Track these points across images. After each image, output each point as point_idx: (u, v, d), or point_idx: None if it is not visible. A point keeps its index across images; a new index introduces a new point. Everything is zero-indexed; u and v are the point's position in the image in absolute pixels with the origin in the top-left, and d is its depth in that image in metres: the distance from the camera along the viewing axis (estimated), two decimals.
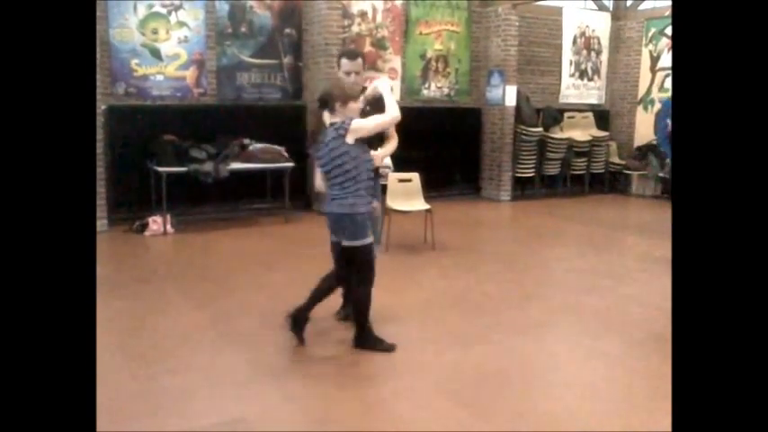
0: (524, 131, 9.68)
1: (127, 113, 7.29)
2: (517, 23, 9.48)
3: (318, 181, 3.94)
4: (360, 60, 4.05)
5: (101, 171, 6.81)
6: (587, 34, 10.62)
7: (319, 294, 3.76)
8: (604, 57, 10.85)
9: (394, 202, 6.30)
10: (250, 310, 4.51)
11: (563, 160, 10.15)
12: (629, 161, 10.50)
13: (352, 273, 3.70)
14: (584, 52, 10.66)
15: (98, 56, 6.83)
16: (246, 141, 7.49)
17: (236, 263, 5.82)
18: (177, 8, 7.48)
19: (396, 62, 9.07)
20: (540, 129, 9.83)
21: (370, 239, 3.60)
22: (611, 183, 10.70)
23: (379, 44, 8.89)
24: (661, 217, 7.84)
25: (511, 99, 9.49)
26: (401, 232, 6.47)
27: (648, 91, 10.48)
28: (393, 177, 6.52)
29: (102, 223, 6.84)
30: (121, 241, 6.65)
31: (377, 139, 3.86)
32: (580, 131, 10.28)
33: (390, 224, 6.30)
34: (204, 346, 3.84)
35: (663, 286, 5.04)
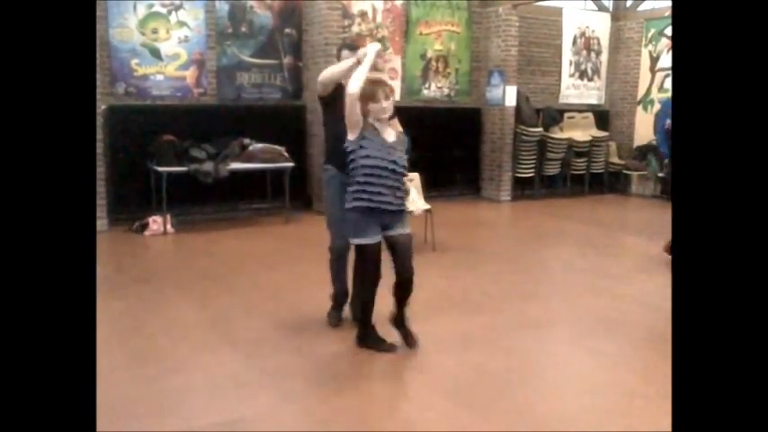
0: (524, 132, 9.68)
1: (127, 113, 7.29)
2: (517, 24, 9.49)
3: None
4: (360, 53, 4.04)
5: (101, 171, 6.82)
6: (587, 35, 10.63)
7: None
8: (604, 57, 10.86)
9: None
10: (250, 309, 4.51)
11: (563, 160, 10.16)
12: (628, 161, 10.51)
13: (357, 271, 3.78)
14: (584, 53, 10.66)
15: (98, 56, 6.83)
16: (246, 141, 7.49)
17: (236, 263, 5.83)
18: (177, 8, 7.48)
19: (396, 62, 9.08)
20: (540, 129, 9.84)
21: (368, 239, 3.58)
22: (610, 183, 10.70)
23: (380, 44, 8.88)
24: (660, 217, 7.84)
25: (511, 99, 9.50)
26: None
27: (648, 91, 10.48)
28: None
29: (102, 223, 6.85)
30: (121, 241, 6.65)
31: None
32: (580, 132, 10.29)
33: None
34: (204, 345, 3.84)
35: (662, 286, 5.05)
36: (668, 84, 9.97)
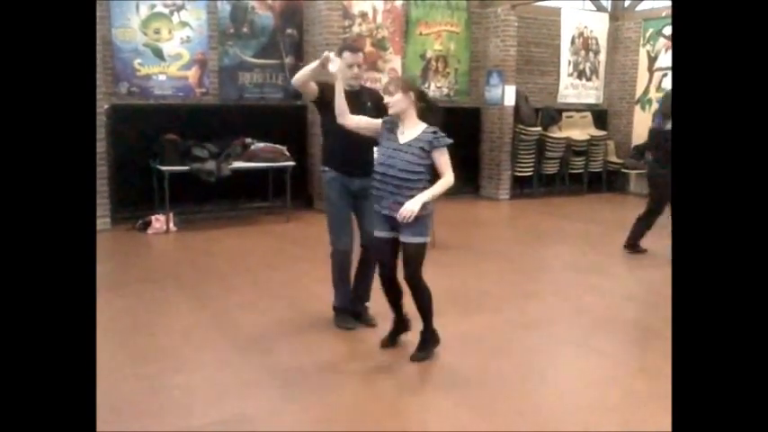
0: (523, 131, 9.73)
1: (129, 113, 7.33)
2: (516, 24, 9.53)
3: None
4: (361, 54, 4.08)
5: (103, 170, 6.85)
6: (585, 34, 10.67)
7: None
8: (602, 57, 10.90)
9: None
10: (251, 308, 4.53)
11: (561, 159, 10.21)
12: (626, 160, 10.55)
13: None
14: (583, 52, 10.71)
15: (101, 56, 6.87)
16: (248, 140, 7.53)
17: (237, 261, 5.86)
18: (179, 8, 7.52)
19: (396, 62, 9.12)
20: (539, 128, 9.89)
21: (377, 232, 3.59)
22: (609, 182, 10.76)
23: (380, 44, 8.94)
24: (662, 215, 7.89)
25: (510, 99, 9.54)
26: None
27: (646, 91, 10.53)
28: None
29: (104, 222, 6.89)
30: (124, 240, 6.68)
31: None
32: (578, 131, 10.34)
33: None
34: (205, 344, 3.86)
35: (662, 285, 5.08)
36: (666, 83, 10.02)
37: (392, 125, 3.50)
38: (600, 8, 10.87)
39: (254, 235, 7.04)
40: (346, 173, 4.00)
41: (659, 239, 6.29)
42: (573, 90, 10.73)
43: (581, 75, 10.78)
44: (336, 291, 4.18)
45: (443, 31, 9.50)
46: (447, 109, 10.27)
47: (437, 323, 3.67)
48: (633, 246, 6.35)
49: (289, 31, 8.25)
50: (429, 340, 3.64)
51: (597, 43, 10.79)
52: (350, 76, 3.96)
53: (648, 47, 10.47)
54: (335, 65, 3.63)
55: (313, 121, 8.12)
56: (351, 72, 3.95)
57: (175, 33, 7.54)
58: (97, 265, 2.26)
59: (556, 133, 10.08)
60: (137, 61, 7.37)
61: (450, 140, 3.44)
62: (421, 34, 9.32)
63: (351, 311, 4.19)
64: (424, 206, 3.36)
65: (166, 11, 7.45)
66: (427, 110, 3.51)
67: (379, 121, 3.59)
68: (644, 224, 6.33)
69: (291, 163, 7.63)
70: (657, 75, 10.33)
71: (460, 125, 9.69)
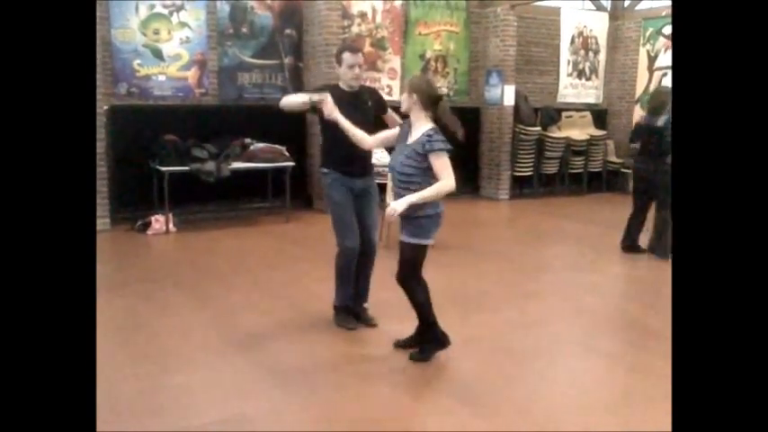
0: (523, 131, 9.73)
1: (129, 113, 7.32)
2: (515, 24, 9.53)
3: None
4: (361, 54, 4.08)
5: (103, 171, 6.85)
6: (585, 34, 10.67)
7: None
8: (602, 56, 10.90)
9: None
10: (251, 308, 4.54)
11: (561, 159, 10.21)
12: (626, 160, 10.54)
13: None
14: (582, 52, 10.71)
15: (100, 56, 6.87)
16: (248, 141, 7.53)
17: (237, 262, 5.86)
18: (179, 9, 7.52)
19: (395, 62, 9.12)
20: (539, 128, 9.89)
21: None
22: (608, 181, 10.75)
23: (379, 44, 8.94)
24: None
25: (509, 99, 9.54)
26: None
27: (646, 90, 10.52)
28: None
29: (104, 222, 6.89)
30: (124, 240, 6.68)
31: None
32: (578, 130, 10.34)
33: (390, 223, 6.34)
34: (206, 344, 3.86)
35: (663, 285, 5.09)
36: (666, 82, 10.02)
37: (408, 126, 3.53)
38: (599, 8, 10.88)
39: (254, 235, 7.04)
40: (347, 173, 4.01)
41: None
42: (572, 90, 10.73)
43: (580, 74, 10.78)
44: (339, 290, 4.18)
45: (443, 30, 9.50)
46: None
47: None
48: (631, 247, 6.34)
49: (288, 31, 8.26)
50: (427, 341, 3.62)
51: (597, 43, 10.80)
52: (350, 77, 3.97)
53: (648, 46, 10.47)
54: (329, 108, 3.69)
55: (312, 121, 8.12)
56: (351, 73, 3.96)
57: (175, 34, 7.54)
58: (97, 265, 2.27)
59: (555, 133, 10.08)
60: (136, 62, 7.37)
61: (443, 145, 3.34)
62: (420, 34, 9.32)
63: (352, 311, 4.20)
64: (419, 208, 3.35)
65: (166, 11, 7.45)
66: (438, 112, 3.43)
67: (397, 129, 3.67)
68: (637, 222, 6.32)
69: (291, 163, 7.63)
70: (657, 74, 10.33)
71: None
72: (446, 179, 3.36)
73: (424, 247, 3.49)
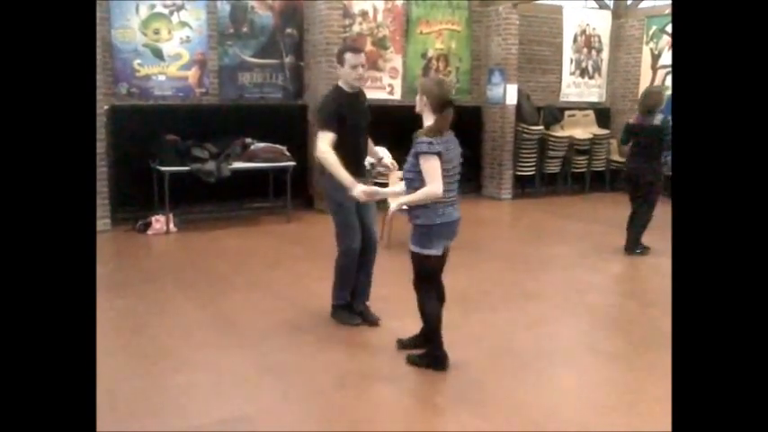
0: (525, 130, 9.70)
1: (129, 113, 7.31)
2: (517, 22, 9.49)
3: (442, 186, 3.29)
4: (363, 54, 4.07)
5: (103, 171, 6.84)
6: (588, 32, 10.63)
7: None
8: (605, 55, 10.85)
9: (396, 201, 6.32)
10: (253, 309, 4.53)
11: (564, 158, 10.17)
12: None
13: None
14: (585, 50, 10.66)
15: (100, 56, 6.85)
16: (248, 141, 7.52)
17: (238, 262, 5.85)
18: (179, 8, 7.50)
19: (397, 61, 9.09)
20: (541, 127, 9.85)
21: None
22: (611, 181, 10.71)
23: (380, 43, 8.91)
24: (662, 214, 7.85)
25: (512, 98, 9.51)
26: (402, 231, 6.48)
27: None
28: (395, 176, 6.54)
29: (104, 222, 6.88)
30: (124, 240, 6.68)
31: None
32: (581, 129, 10.30)
33: (392, 222, 6.33)
34: (207, 344, 3.86)
35: (663, 284, 5.06)
36: (669, 81, 9.96)
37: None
38: (602, 6, 10.83)
39: (255, 235, 7.03)
40: (353, 175, 4.00)
41: (660, 239, 6.25)
42: (575, 88, 10.69)
43: (583, 73, 10.74)
44: (339, 290, 4.20)
45: (444, 29, 9.47)
46: None
47: None
48: (634, 249, 6.29)
49: (288, 30, 8.23)
50: (427, 355, 3.56)
51: (600, 41, 10.75)
52: (354, 77, 3.98)
53: (651, 44, 10.42)
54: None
55: (313, 121, 8.09)
56: (355, 73, 3.96)
57: (175, 33, 7.52)
58: (97, 265, 2.27)
59: (558, 132, 10.04)
60: (136, 62, 7.35)
61: (426, 148, 3.21)
62: (422, 33, 9.29)
63: (351, 308, 4.23)
64: (417, 214, 3.32)
65: (166, 11, 7.43)
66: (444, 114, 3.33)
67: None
68: (640, 225, 6.27)
69: (292, 163, 7.61)
70: (661, 72, 10.28)
71: (462, 124, 9.64)
72: (430, 184, 3.23)
73: (428, 258, 3.39)
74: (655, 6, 10.46)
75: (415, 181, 3.33)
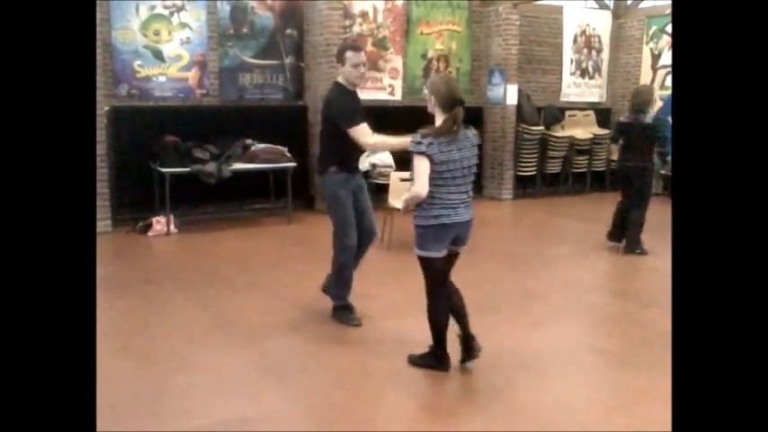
0: (526, 130, 9.69)
1: (129, 115, 7.32)
2: (518, 22, 9.49)
3: (428, 186, 3.20)
4: (363, 53, 4.09)
5: (104, 172, 6.84)
6: (588, 32, 10.63)
7: (459, 315, 3.50)
8: (605, 55, 10.85)
9: (396, 201, 6.32)
10: (253, 309, 4.53)
11: (564, 158, 10.17)
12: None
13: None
14: (585, 51, 10.66)
15: (100, 57, 6.86)
16: (249, 142, 7.52)
17: (239, 263, 5.85)
18: (179, 9, 7.51)
19: (397, 62, 9.09)
20: (542, 127, 9.84)
21: None
22: (612, 181, 10.69)
23: (381, 44, 8.91)
24: (662, 215, 7.85)
25: (512, 98, 9.51)
26: (403, 231, 6.48)
27: None
28: (395, 176, 6.55)
29: (105, 224, 6.88)
30: (125, 242, 6.68)
31: None
32: (581, 130, 10.29)
33: (393, 223, 6.33)
34: (208, 345, 3.86)
35: (664, 284, 5.05)
36: (670, 81, 9.96)
37: None
38: (602, 6, 10.83)
39: (256, 236, 7.03)
40: (353, 171, 4.15)
41: (660, 240, 6.24)
42: (576, 89, 10.68)
43: (584, 73, 10.73)
44: (342, 288, 4.22)
45: (445, 30, 9.47)
46: None
47: None
48: (634, 249, 6.30)
49: (289, 31, 8.24)
50: (429, 355, 3.55)
51: (600, 41, 10.75)
52: (356, 75, 4.01)
53: (652, 44, 10.42)
54: None
55: (314, 121, 8.10)
56: (357, 72, 3.98)
57: (175, 35, 7.53)
58: (98, 267, 2.27)
59: (558, 132, 10.04)
60: (137, 63, 7.36)
61: (414, 148, 3.17)
62: (422, 33, 9.29)
63: (351, 308, 4.26)
64: (416, 214, 3.28)
65: (166, 12, 7.43)
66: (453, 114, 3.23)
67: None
68: (636, 224, 6.30)
69: (292, 164, 7.61)
70: (661, 72, 10.28)
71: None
72: (415, 184, 3.19)
73: (426, 259, 3.35)
74: (655, 6, 10.45)
75: (412, 181, 3.30)
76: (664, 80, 10.19)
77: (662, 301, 4.68)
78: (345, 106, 3.95)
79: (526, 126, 9.67)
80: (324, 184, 4.18)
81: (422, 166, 3.16)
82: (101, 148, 6.68)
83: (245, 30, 7.96)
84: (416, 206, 3.28)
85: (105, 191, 6.88)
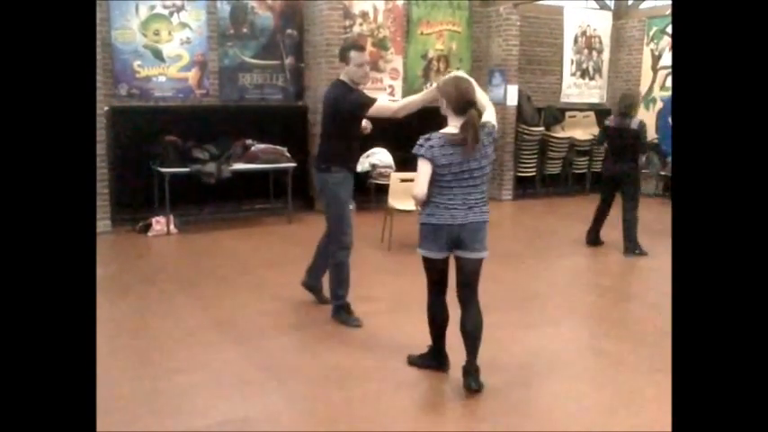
0: (526, 131, 9.69)
1: (129, 115, 7.32)
2: (518, 23, 9.49)
3: (425, 189, 3.17)
4: (366, 52, 4.11)
5: (104, 172, 6.84)
6: (588, 33, 10.62)
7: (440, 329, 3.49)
8: (606, 56, 10.84)
9: (396, 202, 6.33)
10: (253, 309, 4.53)
11: (564, 159, 10.16)
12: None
13: (473, 289, 3.41)
14: (586, 51, 10.65)
15: (100, 57, 6.85)
16: (249, 142, 7.52)
17: (239, 263, 5.84)
18: (179, 9, 7.50)
19: (397, 62, 9.09)
20: (542, 128, 9.84)
21: None
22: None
23: (381, 44, 8.91)
24: (662, 215, 7.85)
25: (512, 98, 9.50)
26: (403, 231, 6.48)
27: (650, 90, 10.47)
28: (395, 177, 6.54)
29: (105, 224, 6.88)
30: (125, 242, 6.68)
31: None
32: (581, 130, 10.28)
33: (392, 223, 6.32)
34: (208, 346, 3.86)
35: (664, 285, 5.06)
36: (670, 82, 9.96)
37: None
38: (603, 6, 10.83)
39: (256, 236, 7.03)
40: (351, 171, 4.17)
41: (660, 240, 6.24)
42: (576, 89, 10.68)
43: (584, 74, 10.73)
44: (341, 288, 4.23)
45: (445, 30, 9.46)
46: None
47: None
48: (595, 241, 6.51)
49: (289, 31, 8.23)
50: (428, 355, 3.56)
51: (600, 42, 10.75)
52: (361, 74, 4.03)
53: (652, 45, 10.41)
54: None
55: (314, 121, 8.10)
56: (362, 71, 4.01)
57: (175, 34, 7.53)
58: (98, 267, 2.27)
59: (559, 133, 10.03)
60: (136, 63, 7.35)
61: (414, 150, 3.14)
62: (422, 34, 9.29)
63: (350, 308, 4.26)
64: (421, 215, 3.27)
65: (166, 12, 7.43)
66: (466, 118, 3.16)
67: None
68: (602, 218, 6.48)
69: (292, 164, 7.61)
70: (662, 73, 10.27)
71: None
72: (414, 186, 3.17)
73: (424, 258, 3.32)
74: (655, 7, 10.45)
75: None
76: (664, 81, 10.19)
77: (662, 302, 4.68)
78: (355, 97, 3.98)
79: (526, 127, 9.67)
80: (323, 181, 4.18)
81: (421, 168, 3.15)
82: (100, 148, 6.67)
83: (245, 30, 7.96)
84: (422, 206, 3.26)
85: (105, 191, 6.88)
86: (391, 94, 9.03)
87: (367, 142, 7.46)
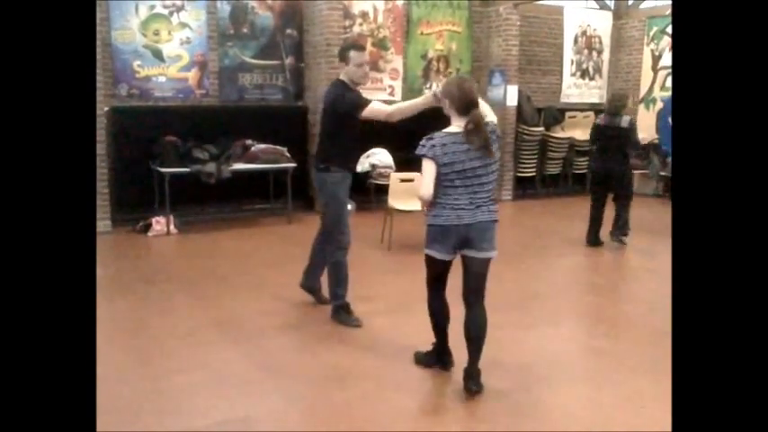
0: (526, 131, 9.69)
1: (129, 115, 7.31)
2: (518, 23, 9.49)
3: (431, 189, 3.14)
4: (366, 51, 4.11)
5: (104, 172, 6.85)
6: (588, 33, 10.63)
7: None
8: (606, 56, 10.85)
9: (396, 202, 6.33)
10: (253, 309, 4.53)
11: (564, 159, 10.17)
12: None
13: (479, 290, 3.42)
14: (586, 51, 10.66)
15: (100, 57, 6.85)
16: (249, 142, 7.52)
17: (239, 263, 5.85)
18: (179, 9, 7.50)
19: (397, 62, 9.09)
20: (542, 128, 9.85)
21: None
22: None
23: (381, 44, 8.91)
24: (662, 215, 7.86)
25: (512, 99, 9.50)
26: (403, 231, 6.49)
27: (650, 90, 10.48)
28: (395, 177, 6.54)
29: (105, 224, 6.88)
30: (125, 242, 6.68)
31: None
32: (581, 131, 10.26)
33: (392, 223, 6.32)
34: (208, 346, 3.86)
35: (664, 285, 5.06)
36: (671, 82, 9.96)
37: None
38: (603, 6, 10.83)
39: (256, 236, 7.03)
40: (350, 171, 4.18)
41: (660, 240, 6.24)
42: (576, 90, 10.68)
43: (584, 74, 10.73)
44: (340, 287, 4.23)
45: (445, 30, 9.47)
46: None
47: None
48: (596, 242, 6.57)
49: (289, 31, 8.23)
50: (432, 353, 3.57)
51: (600, 42, 10.75)
52: (361, 74, 4.04)
53: (652, 45, 10.42)
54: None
55: (314, 121, 8.09)
56: (362, 71, 4.01)
57: (175, 34, 7.53)
58: (98, 267, 2.27)
59: (558, 133, 10.04)
60: (136, 63, 7.35)
61: (418, 149, 3.13)
62: (422, 34, 9.29)
63: (349, 308, 4.26)
64: (428, 216, 3.26)
65: (166, 12, 7.43)
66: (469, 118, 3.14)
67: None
68: (599, 219, 6.55)
69: (292, 164, 7.61)
70: (662, 73, 10.27)
71: None
72: (420, 187, 3.17)
73: (428, 257, 3.32)
74: (655, 7, 10.45)
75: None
76: (664, 81, 10.19)
77: (662, 302, 4.67)
78: (353, 97, 3.98)
79: (526, 127, 9.67)
80: (322, 181, 4.19)
81: (426, 168, 3.14)
82: (100, 149, 6.67)
83: (244, 30, 7.96)
84: (428, 206, 3.25)
85: (105, 191, 6.88)
86: (391, 94, 9.03)
87: (367, 142, 7.52)
